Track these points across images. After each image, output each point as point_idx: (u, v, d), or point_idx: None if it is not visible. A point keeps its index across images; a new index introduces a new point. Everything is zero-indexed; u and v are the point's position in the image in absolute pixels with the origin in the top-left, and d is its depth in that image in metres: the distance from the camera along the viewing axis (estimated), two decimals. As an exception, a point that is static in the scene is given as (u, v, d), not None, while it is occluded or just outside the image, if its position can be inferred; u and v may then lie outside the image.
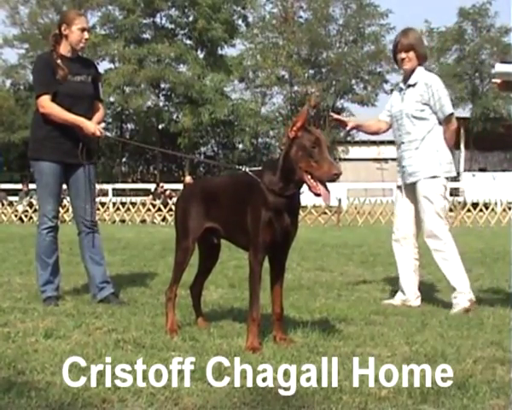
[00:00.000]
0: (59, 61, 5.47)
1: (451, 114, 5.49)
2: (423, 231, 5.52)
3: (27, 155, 5.69)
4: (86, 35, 5.58)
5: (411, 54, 5.52)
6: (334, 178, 3.67)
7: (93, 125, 5.42)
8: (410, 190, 5.62)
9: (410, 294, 5.62)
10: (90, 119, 5.49)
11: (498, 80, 5.08)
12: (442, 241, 5.41)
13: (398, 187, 5.78)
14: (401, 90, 5.72)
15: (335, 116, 5.77)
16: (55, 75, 5.43)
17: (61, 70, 5.45)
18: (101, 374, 3.27)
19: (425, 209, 5.47)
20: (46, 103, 5.39)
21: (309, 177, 3.74)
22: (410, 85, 5.57)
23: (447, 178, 5.57)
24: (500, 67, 5.01)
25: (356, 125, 5.99)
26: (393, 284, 6.61)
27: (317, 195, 3.74)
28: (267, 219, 3.89)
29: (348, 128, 5.83)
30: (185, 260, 4.31)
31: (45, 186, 5.52)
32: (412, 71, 5.56)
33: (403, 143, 5.63)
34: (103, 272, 5.64)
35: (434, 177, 5.46)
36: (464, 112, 40.00)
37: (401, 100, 5.65)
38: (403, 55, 5.54)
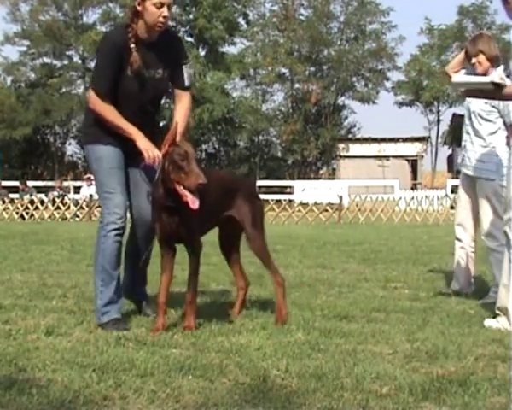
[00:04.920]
0: (132, 47, 4.36)
1: None
2: (481, 229, 5.77)
3: (83, 143, 4.72)
4: (165, 12, 4.33)
5: (481, 57, 5.77)
6: (199, 187, 4.11)
7: (150, 149, 4.35)
8: (469, 180, 5.88)
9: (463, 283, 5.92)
10: (153, 126, 4.63)
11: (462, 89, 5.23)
12: (499, 241, 5.43)
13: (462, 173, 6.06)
14: None
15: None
16: (123, 63, 4.36)
17: (133, 61, 4.37)
18: (102, 371, 3.28)
19: (484, 209, 5.72)
20: (97, 102, 4.39)
21: (180, 187, 4.17)
22: None
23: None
24: (458, 78, 5.30)
25: None
26: (394, 281, 6.62)
27: (187, 203, 4.15)
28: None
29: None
30: None
31: (109, 173, 4.44)
32: (485, 73, 5.69)
33: (468, 134, 5.87)
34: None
35: (493, 179, 5.66)
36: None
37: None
38: (473, 60, 5.80)
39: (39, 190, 27.33)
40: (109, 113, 4.37)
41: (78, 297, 5.49)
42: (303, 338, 4.07)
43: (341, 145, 40.52)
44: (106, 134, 4.44)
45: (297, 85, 42.87)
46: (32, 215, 21.94)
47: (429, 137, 42.12)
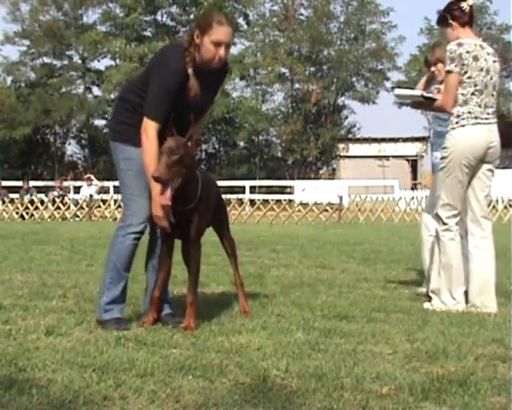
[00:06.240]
0: (190, 72, 4.27)
1: None
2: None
3: (109, 138, 4.58)
4: (222, 52, 4.26)
5: (440, 66, 5.92)
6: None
7: (158, 208, 4.20)
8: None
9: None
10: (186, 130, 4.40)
11: (408, 100, 5.63)
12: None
13: None
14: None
15: None
16: (180, 89, 4.26)
17: (191, 87, 4.29)
18: (102, 371, 3.28)
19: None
20: (150, 134, 4.22)
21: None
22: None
23: None
24: (397, 91, 5.68)
25: None
26: (394, 281, 6.62)
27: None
28: None
29: None
30: None
31: (137, 176, 4.34)
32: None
33: (432, 137, 6.24)
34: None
35: None
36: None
37: None
38: (432, 68, 6.04)
39: (39, 190, 27.32)
40: (150, 150, 4.21)
41: (78, 297, 5.50)
42: (303, 338, 4.07)
43: (341, 145, 40.53)
44: (137, 135, 4.29)
45: (297, 85, 42.90)
46: (32, 215, 21.95)
47: (429, 137, 42.08)
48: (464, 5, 5.25)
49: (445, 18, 5.34)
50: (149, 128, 4.23)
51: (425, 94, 5.37)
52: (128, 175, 4.39)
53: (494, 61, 5.27)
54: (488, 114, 5.23)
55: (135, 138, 4.31)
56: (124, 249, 4.37)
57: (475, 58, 5.14)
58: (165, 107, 4.26)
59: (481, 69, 5.16)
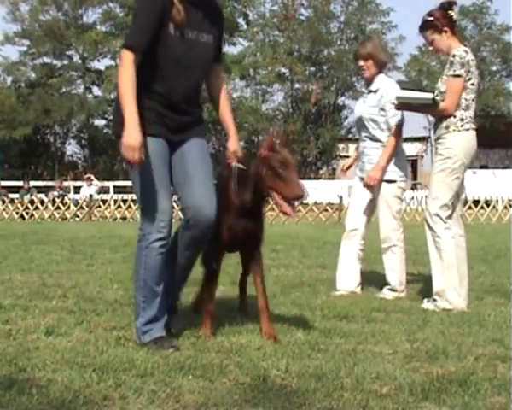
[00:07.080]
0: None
1: (397, 125, 5.84)
2: (380, 230, 6.12)
3: (114, 134, 3.85)
4: None
5: (369, 62, 5.86)
6: (299, 198, 3.92)
7: (130, 152, 3.58)
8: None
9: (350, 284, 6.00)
10: (198, 105, 4.12)
11: (396, 102, 5.50)
12: (392, 242, 6.06)
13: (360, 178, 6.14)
14: (363, 94, 6.18)
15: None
16: (165, 19, 3.71)
17: (176, 13, 3.71)
18: (102, 371, 3.28)
19: (383, 211, 6.02)
20: (126, 65, 3.66)
21: (276, 196, 3.91)
22: (371, 91, 5.93)
23: (404, 182, 6.05)
24: (402, 93, 5.46)
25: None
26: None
27: (284, 213, 3.92)
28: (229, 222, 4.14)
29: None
30: None
31: (152, 172, 3.75)
32: (372, 77, 5.91)
33: (364, 140, 6.01)
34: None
35: (392, 181, 5.91)
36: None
37: (363, 103, 6.03)
38: (361, 63, 5.89)
39: (39, 190, 27.32)
40: (127, 84, 3.62)
41: (78, 297, 5.50)
42: (303, 338, 4.07)
43: (341, 145, 40.54)
44: (147, 121, 3.72)
45: (297, 85, 42.93)
46: (32, 215, 21.95)
47: (429, 137, 42.11)
48: (453, 14, 5.29)
49: (433, 25, 5.29)
50: (125, 56, 3.67)
51: (436, 97, 5.21)
52: (142, 173, 3.75)
53: None
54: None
55: (145, 125, 3.68)
56: (151, 262, 3.82)
57: (476, 67, 5.29)
58: (143, 33, 3.70)
59: (477, 77, 5.32)
